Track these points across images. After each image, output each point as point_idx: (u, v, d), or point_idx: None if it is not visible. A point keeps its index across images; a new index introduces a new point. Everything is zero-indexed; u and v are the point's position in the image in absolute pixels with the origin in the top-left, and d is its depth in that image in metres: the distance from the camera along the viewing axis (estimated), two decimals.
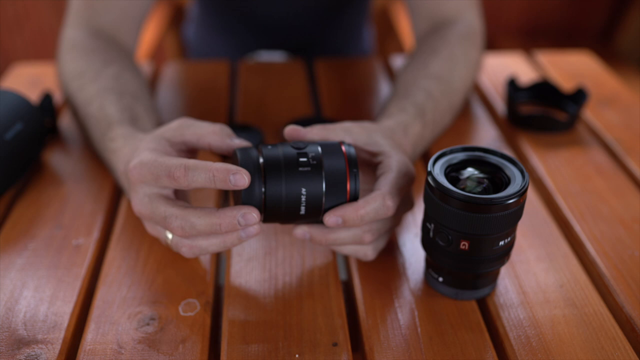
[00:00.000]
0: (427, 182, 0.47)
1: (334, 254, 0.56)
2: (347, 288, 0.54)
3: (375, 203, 0.47)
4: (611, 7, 2.23)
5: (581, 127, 0.77)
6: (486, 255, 0.47)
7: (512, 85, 0.80)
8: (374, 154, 0.53)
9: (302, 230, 0.49)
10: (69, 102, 0.70)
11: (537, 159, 0.70)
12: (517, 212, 0.46)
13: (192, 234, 0.46)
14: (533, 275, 0.54)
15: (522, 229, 0.59)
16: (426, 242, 0.50)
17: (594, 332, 0.48)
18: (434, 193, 0.46)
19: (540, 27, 2.27)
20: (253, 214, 0.45)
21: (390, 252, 0.56)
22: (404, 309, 0.50)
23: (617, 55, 2.14)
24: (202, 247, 0.48)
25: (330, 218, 0.47)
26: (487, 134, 0.75)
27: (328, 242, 0.50)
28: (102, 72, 0.67)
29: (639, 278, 0.53)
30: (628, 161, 0.70)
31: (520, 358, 0.46)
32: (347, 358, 0.46)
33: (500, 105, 0.81)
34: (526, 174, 0.46)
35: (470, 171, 0.48)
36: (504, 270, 0.54)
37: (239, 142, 0.51)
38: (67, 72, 0.70)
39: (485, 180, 0.48)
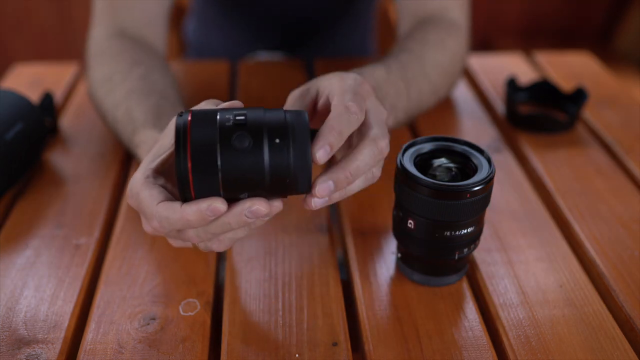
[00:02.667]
0: (396, 170, 0.48)
1: (334, 254, 0.56)
2: (347, 288, 0.54)
3: (367, 150, 0.45)
4: (610, 7, 2.23)
5: (581, 127, 0.77)
6: (455, 241, 0.48)
7: (512, 86, 0.80)
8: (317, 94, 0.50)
9: (326, 186, 0.44)
10: (98, 108, 0.69)
11: (537, 159, 0.70)
12: (484, 199, 0.47)
13: (210, 237, 0.45)
14: (532, 275, 0.54)
15: (522, 228, 0.59)
16: (397, 230, 0.51)
17: (593, 332, 0.48)
18: (403, 181, 0.47)
19: (540, 28, 2.28)
20: (259, 207, 0.42)
21: (390, 252, 0.56)
22: (404, 309, 0.50)
23: (617, 55, 2.14)
24: (231, 238, 0.46)
25: (321, 187, 0.43)
26: (486, 134, 0.75)
27: (345, 195, 0.46)
28: (129, 73, 0.67)
29: (638, 278, 0.53)
30: (627, 161, 0.70)
31: (519, 358, 0.46)
32: (347, 358, 0.46)
33: (499, 106, 0.82)
34: (492, 163, 0.48)
35: (440, 160, 0.50)
36: (503, 270, 0.54)
37: (226, 105, 0.47)
38: (95, 77, 0.70)
39: (454, 168, 0.49)
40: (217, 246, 0.46)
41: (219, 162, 0.40)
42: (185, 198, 0.42)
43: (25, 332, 0.48)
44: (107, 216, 0.61)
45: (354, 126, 0.46)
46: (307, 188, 0.43)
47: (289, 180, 0.42)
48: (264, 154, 0.41)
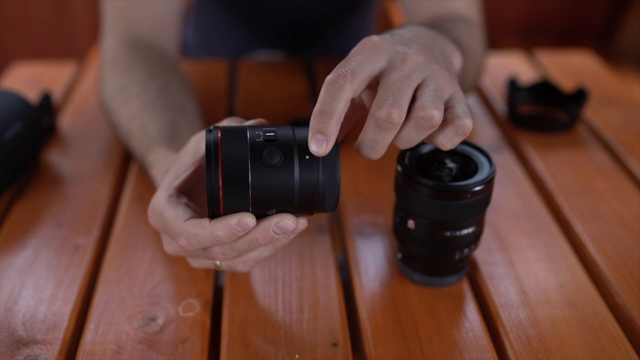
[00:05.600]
0: (397, 171, 0.48)
1: (334, 254, 0.56)
2: (347, 288, 0.53)
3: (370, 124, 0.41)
4: (612, 6, 2.23)
5: (581, 127, 0.77)
6: (456, 241, 0.48)
7: (513, 85, 0.80)
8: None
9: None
10: (111, 118, 0.67)
11: (538, 159, 0.70)
12: (485, 199, 0.47)
13: (236, 255, 0.44)
14: (533, 276, 0.54)
15: (523, 228, 0.59)
16: (398, 230, 0.51)
17: (594, 333, 0.48)
18: (404, 182, 0.47)
19: (541, 26, 2.28)
20: (287, 222, 0.42)
21: (390, 252, 0.56)
22: (404, 309, 0.50)
23: (618, 54, 2.14)
24: (255, 258, 0.45)
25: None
26: (487, 134, 0.75)
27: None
28: (147, 86, 0.65)
29: (639, 278, 0.53)
30: (628, 161, 0.70)
31: (520, 358, 0.46)
32: (347, 359, 0.46)
33: (500, 105, 0.81)
34: (493, 162, 0.48)
35: (440, 160, 0.50)
36: (504, 271, 0.54)
37: (253, 122, 0.46)
38: (110, 87, 0.68)
39: (454, 168, 0.49)
40: (242, 266, 0.46)
41: (249, 178, 0.40)
42: (213, 214, 0.42)
43: (24, 332, 0.48)
44: (106, 216, 0.61)
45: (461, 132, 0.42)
46: (334, 206, 0.43)
47: (318, 198, 0.42)
48: (295, 171, 0.40)
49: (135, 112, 0.63)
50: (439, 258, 0.50)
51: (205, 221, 0.42)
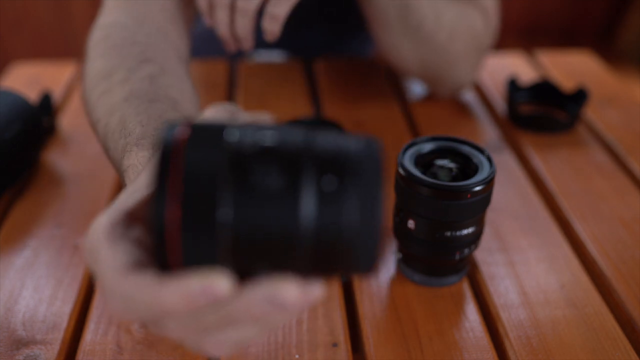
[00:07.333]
0: (397, 171, 0.48)
1: None
2: (347, 288, 0.53)
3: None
4: (612, 6, 2.23)
5: (582, 127, 0.77)
6: (456, 241, 0.48)
7: (513, 85, 0.80)
8: None
9: None
10: (90, 113, 0.53)
11: (538, 159, 0.70)
12: (485, 199, 0.47)
13: (202, 332, 0.28)
14: (534, 276, 0.54)
15: (523, 229, 0.59)
16: (398, 230, 0.51)
17: (594, 333, 0.48)
18: (404, 182, 0.47)
19: (541, 26, 2.28)
20: (286, 293, 0.26)
21: (390, 252, 0.56)
22: (404, 309, 0.50)
23: (618, 54, 2.14)
24: (235, 340, 0.29)
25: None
26: (487, 134, 0.75)
27: None
28: (136, 71, 0.51)
29: (639, 278, 0.53)
30: (629, 161, 0.70)
31: (520, 359, 0.46)
32: (347, 358, 0.46)
33: (500, 105, 0.81)
34: (493, 162, 0.48)
35: (440, 160, 0.50)
36: (504, 271, 0.54)
37: (248, 118, 0.33)
38: (92, 72, 0.54)
39: (454, 168, 0.49)
40: (214, 349, 0.29)
41: (226, 211, 0.25)
42: (163, 266, 0.26)
43: (24, 332, 0.48)
44: None
45: None
46: (370, 265, 0.27)
47: (342, 251, 0.26)
48: (303, 203, 0.25)
49: (116, 104, 0.48)
50: (439, 258, 0.50)
51: (150, 277, 0.26)
